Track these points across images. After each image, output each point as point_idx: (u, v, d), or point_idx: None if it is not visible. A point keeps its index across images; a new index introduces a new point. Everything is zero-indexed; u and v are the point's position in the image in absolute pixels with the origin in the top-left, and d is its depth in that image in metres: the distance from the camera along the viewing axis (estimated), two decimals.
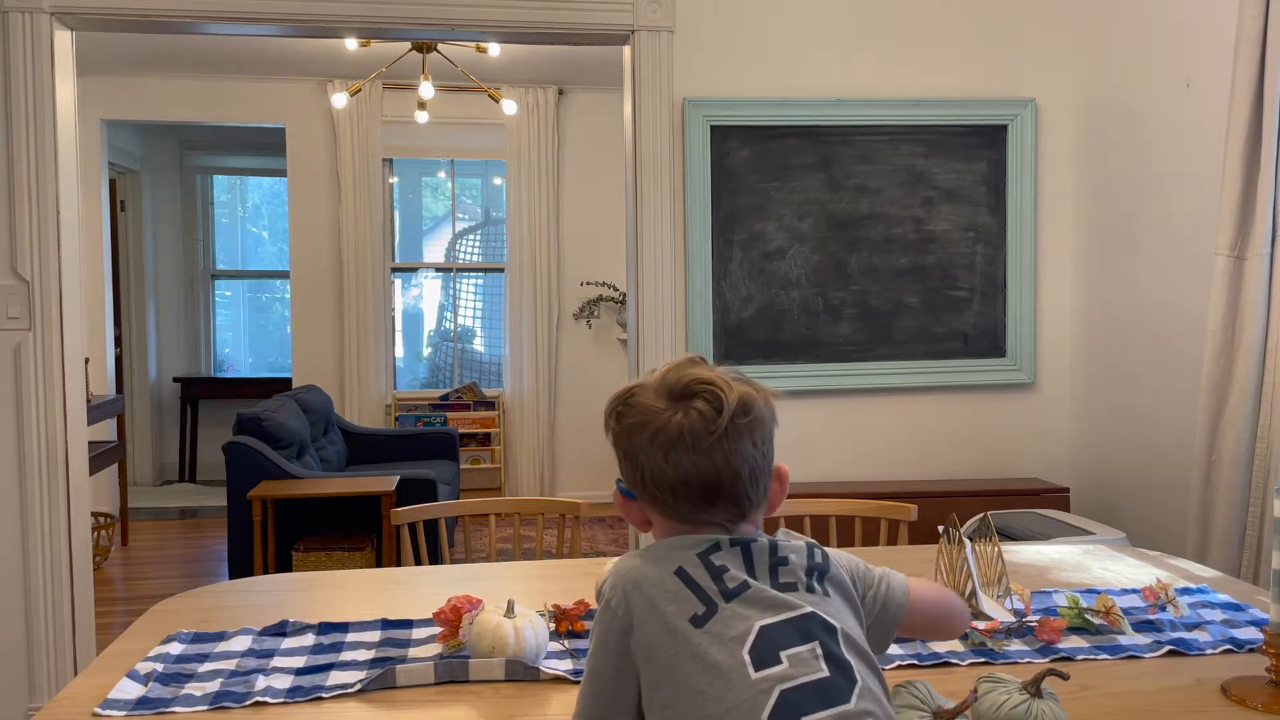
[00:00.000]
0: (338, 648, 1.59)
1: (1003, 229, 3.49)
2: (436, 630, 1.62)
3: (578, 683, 1.45)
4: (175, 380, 7.42)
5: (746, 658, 1.01)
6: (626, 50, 3.34)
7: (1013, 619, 1.63)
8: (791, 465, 3.90)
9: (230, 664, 1.52)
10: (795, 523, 2.49)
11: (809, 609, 1.05)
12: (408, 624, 1.70)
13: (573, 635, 1.64)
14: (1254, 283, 2.55)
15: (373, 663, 1.52)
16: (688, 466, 1.07)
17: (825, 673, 1.01)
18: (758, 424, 1.10)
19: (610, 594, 1.09)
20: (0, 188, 3.00)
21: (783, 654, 1.01)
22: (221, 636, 1.64)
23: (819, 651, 1.02)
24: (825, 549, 1.16)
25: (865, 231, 3.43)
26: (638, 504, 1.14)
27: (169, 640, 1.61)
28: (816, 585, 1.09)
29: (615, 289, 6.47)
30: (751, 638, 1.02)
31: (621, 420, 1.12)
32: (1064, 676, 1.22)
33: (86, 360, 3.72)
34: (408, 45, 5.19)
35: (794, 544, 1.12)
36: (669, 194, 3.29)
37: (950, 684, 1.41)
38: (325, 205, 6.44)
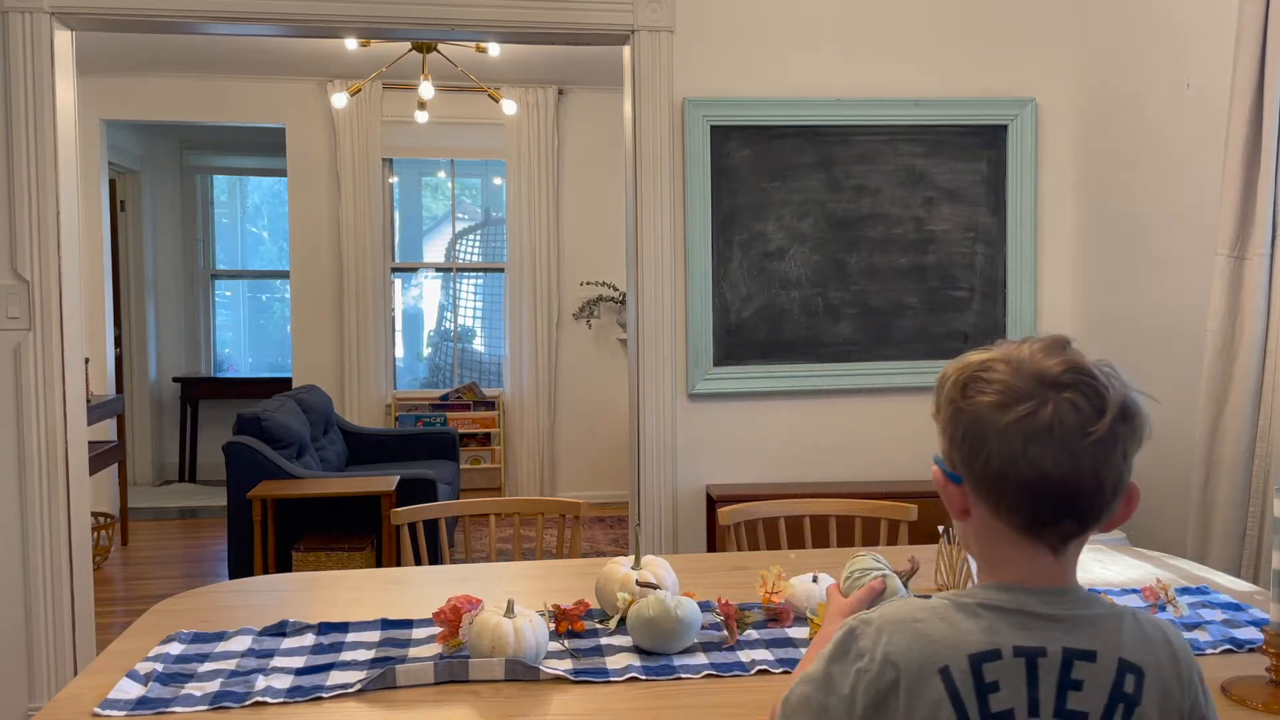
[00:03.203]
0: (338, 648, 1.59)
1: (1003, 229, 3.49)
2: (436, 630, 1.62)
3: (578, 683, 1.45)
4: (175, 380, 7.42)
5: None
6: (626, 50, 3.34)
7: None
8: (790, 466, 3.89)
9: (230, 664, 1.53)
10: (795, 522, 2.49)
11: None
12: (408, 624, 1.70)
13: (573, 635, 1.64)
14: (1254, 283, 2.55)
15: (373, 663, 1.52)
16: (1050, 465, 0.91)
17: None
18: (1135, 435, 0.94)
19: (882, 654, 0.92)
20: (0, 188, 3.00)
21: None
22: (221, 636, 1.64)
23: None
24: (1149, 669, 0.93)
25: (865, 231, 3.43)
26: (962, 490, 0.98)
27: (169, 640, 1.62)
28: None
29: (615, 289, 6.47)
30: None
31: (970, 395, 0.95)
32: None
33: (86, 360, 3.72)
34: (408, 45, 5.18)
35: (1101, 663, 0.91)
36: (669, 194, 3.29)
37: None
38: (325, 205, 6.44)
